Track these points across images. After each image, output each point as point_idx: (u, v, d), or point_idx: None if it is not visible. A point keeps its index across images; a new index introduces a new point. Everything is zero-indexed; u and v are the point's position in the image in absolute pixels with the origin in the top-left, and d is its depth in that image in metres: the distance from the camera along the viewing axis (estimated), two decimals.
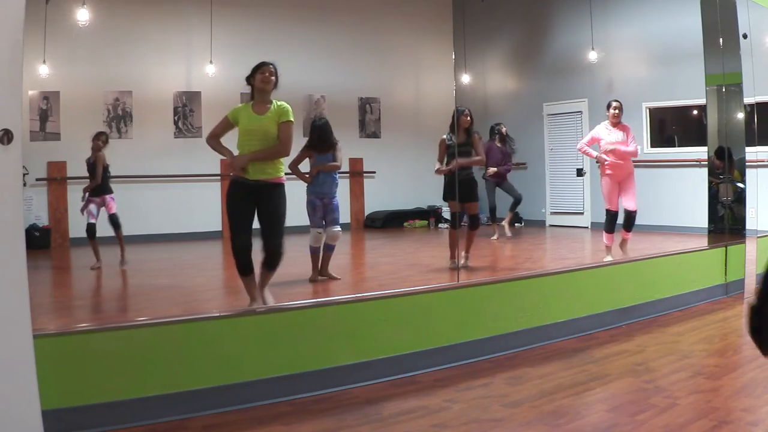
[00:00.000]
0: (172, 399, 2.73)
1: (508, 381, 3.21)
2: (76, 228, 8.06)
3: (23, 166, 2.32)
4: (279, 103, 4.00)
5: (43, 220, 7.99)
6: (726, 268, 5.22)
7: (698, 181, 6.42)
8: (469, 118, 5.62)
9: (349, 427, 2.64)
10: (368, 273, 6.06)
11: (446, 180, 5.68)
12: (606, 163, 5.77)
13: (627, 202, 5.82)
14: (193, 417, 2.73)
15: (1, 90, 2.22)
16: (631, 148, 5.75)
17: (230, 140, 4.05)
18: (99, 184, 6.15)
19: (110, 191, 6.25)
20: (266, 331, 2.99)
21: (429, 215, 10.07)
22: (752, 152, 5.51)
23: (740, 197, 5.50)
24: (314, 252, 5.17)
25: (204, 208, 8.87)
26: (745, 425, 2.54)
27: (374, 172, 9.93)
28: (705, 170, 5.90)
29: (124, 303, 4.74)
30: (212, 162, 9.11)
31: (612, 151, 5.72)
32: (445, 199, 5.83)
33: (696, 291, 4.93)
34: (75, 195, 8.13)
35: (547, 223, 10.05)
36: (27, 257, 2.27)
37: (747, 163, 5.49)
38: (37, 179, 7.94)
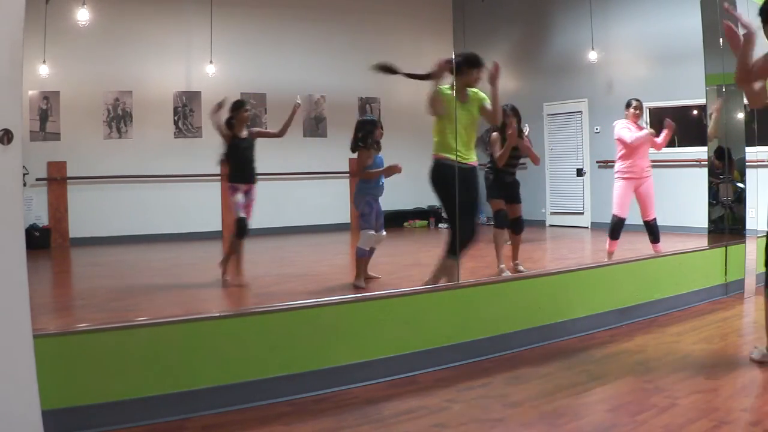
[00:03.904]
0: (172, 399, 2.74)
1: (508, 381, 3.21)
2: (76, 228, 8.08)
3: (23, 166, 2.32)
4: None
5: (43, 220, 8.00)
6: (726, 268, 5.22)
7: (698, 181, 6.43)
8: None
9: (349, 427, 2.64)
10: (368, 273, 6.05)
11: (490, 179, 5.56)
12: (625, 166, 5.69)
13: (647, 211, 5.75)
14: (193, 417, 2.73)
15: (1, 90, 2.22)
16: (659, 140, 5.74)
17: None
18: (251, 169, 5.25)
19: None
20: (266, 331, 2.99)
21: (429, 215, 10.07)
22: (752, 152, 5.52)
23: (740, 197, 5.50)
24: (364, 255, 5.02)
25: (204, 208, 8.88)
26: (745, 425, 2.54)
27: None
28: (705, 170, 5.90)
29: (124, 303, 4.74)
30: (212, 162, 9.15)
31: (639, 147, 5.66)
32: (488, 198, 5.57)
33: (696, 291, 4.93)
34: (75, 195, 8.16)
35: (547, 223, 10.05)
36: (27, 257, 2.27)
37: (747, 163, 5.49)
38: (37, 179, 7.95)
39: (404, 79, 4.41)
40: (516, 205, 5.54)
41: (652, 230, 5.78)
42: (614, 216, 5.77)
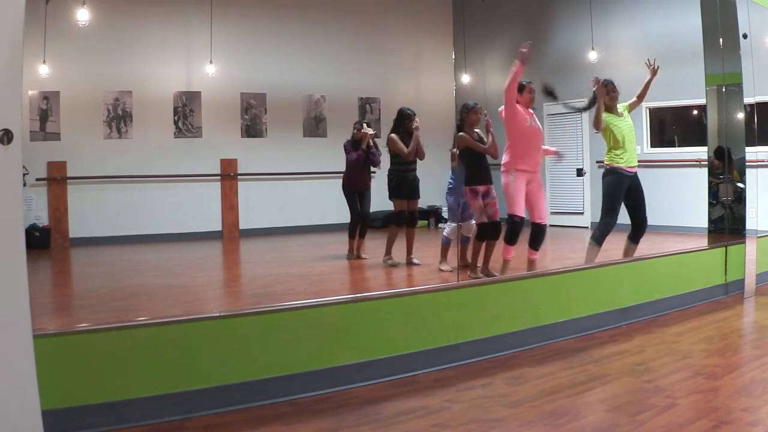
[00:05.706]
0: (172, 399, 2.74)
1: (508, 381, 3.21)
2: (76, 228, 8.08)
3: (23, 166, 2.32)
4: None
5: (43, 220, 7.99)
6: (726, 268, 5.22)
7: (698, 181, 6.43)
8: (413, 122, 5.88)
9: (349, 427, 2.64)
10: (368, 273, 6.06)
11: (394, 180, 5.97)
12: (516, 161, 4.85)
13: (538, 213, 4.95)
14: (193, 417, 2.74)
15: (1, 90, 2.22)
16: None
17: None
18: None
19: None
20: (266, 331, 3.00)
21: (429, 215, 10.06)
22: (752, 152, 5.52)
23: (740, 197, 5.50)
24: (448, 243, 5.72)
25: (204, 208, 8.88)
26: (745, 425, 2.54)
27: (374, 172, 9.95)
28: (705, 170, 5.90)
29: (124, 303, 4.73)
30: (212, 162, 9.16)
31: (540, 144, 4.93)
32: (391, 197, 6.03)
33: (696, 291, 4.93)
34: (75, 195, 8.15)
35: (547, 223, 10.03)
36: (27, 257, 2.27)
37: (747, 163, 5.49)
38: (37, 179, 7.94)
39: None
40: (415, 201, 6.04)
41: (539, 235, 4.96)
42: (514, 216, 4.78)
